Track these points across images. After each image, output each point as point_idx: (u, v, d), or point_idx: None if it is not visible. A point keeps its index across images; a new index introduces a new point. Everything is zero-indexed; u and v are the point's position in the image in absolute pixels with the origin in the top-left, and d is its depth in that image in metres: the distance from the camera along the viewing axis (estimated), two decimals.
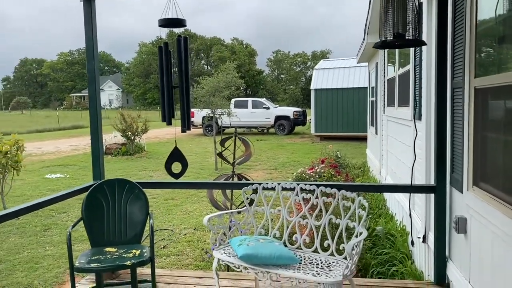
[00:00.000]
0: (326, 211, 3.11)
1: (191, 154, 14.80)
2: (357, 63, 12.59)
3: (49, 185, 10.03)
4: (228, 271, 3.90)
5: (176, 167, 3.60)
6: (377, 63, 9.17)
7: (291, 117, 22.86)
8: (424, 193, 3.70)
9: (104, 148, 14.62)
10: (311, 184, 3.25)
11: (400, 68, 5.82)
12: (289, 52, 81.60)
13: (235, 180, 4.41)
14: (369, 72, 11.68)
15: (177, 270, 4.16)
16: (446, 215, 3.24)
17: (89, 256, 3.05)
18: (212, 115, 13.40)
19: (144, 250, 3.14)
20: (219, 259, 2.93)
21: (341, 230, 3.01)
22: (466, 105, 2.80)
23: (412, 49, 4.63)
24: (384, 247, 4.48)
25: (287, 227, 3.25)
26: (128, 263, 2.93)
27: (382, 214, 6.04)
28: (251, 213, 3.34)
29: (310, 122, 21.60)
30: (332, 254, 2.99)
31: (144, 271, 3.70)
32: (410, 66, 4.78)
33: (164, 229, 6.33)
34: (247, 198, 3.37)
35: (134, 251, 3.13)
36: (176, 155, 3.61)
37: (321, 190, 3.16)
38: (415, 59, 4.49)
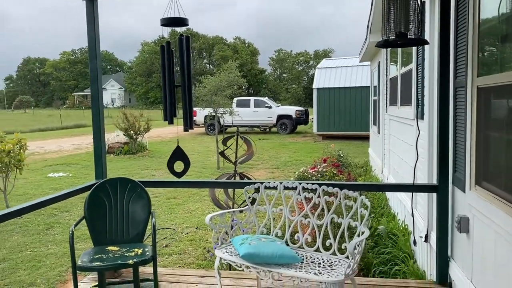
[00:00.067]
0: (328, 210, 3.11)
1: (193, 153, 14.81)
2: (360, 62, 12.57)
3: (51, 184, 10.06)
4: (230, 270, 3.90)
5: (179, 166, 3.60)
6: (379, 62, 9.16)
7: (293, 116, 22.84)
8: (426, 192, 3.69)
9: (107, 147, 14.65)
10: (313, 183, 3.25)
11: (403, 67, 5.81)
12: (291, 51, 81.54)
13: (237, 179, 4.41)
14: (372, 71, 11.66)
15: (179, 269, 4.17)
16: (448, 214, 3.23)
17: (91, 255, 3.06)
18: (214, 114, 13.41)
19: (146, 249, 3.15)
20: (221, 258, 2.93)
21: (343, 229, 3.01)
22: (468, 104, 2.79)
23: (414, 48, 4.62)
24: (386, 246, 4.48)
25: (289, 226, 3.25)
26: (130, 262, 2.93)
27: (384, 213, 6.03)
28: (253, 212, 3.34)
29: (312, 121, 21.58)
30: (334, 253, 2.99)
31: (146, 270, 3.71)
32: (413, 65, 4.77)
33: (166, 228, 6.34)
34: (249, 197, 3.37)
35: (136, 250, 3.14)
36: (179, 154, 3.61)
37: (323, 189, 3.16)
38: (417, 58, 4.48)
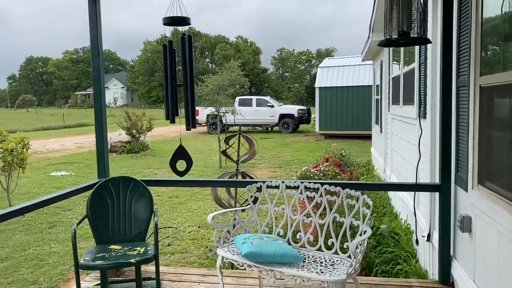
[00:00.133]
0: (330, 210, 3.11)
1: (196, 152, 14.82)
2: (362, 61, 12.55)
3: (54, 182, 10.09)
4: (232, 269, 3.90)
5: (181, 165, 3.61)
6: (382, 61, 9.14)
7: (296, 115, 22.83)
8: (428, 191, 3.69)
9: (109, 146, 14.68)
10: (315, 183, 3.25)
11: (405, 66, 5.80)
12: (293, 50, 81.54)
13: (239, 178, 4.42)
14: (374, 70, 11.64)
15: (181, 268, 4.18)
16: (450, 214, 3.23)
17: (94, 254, 3.07)
18: (216, 113, 13.41)
19: (148, 248, 3.15)
20: (223, 257, 2.93)
21: (345, 229, 3.00)
22: (471, 104, 2.79)
23: (417, 47, 4.61)
24: (388, 245, 4.47)
25: (291, 225, 3.25)
26: (132, 260, 2.94)
27: (387, 212, 6.02)
28: (255, 211, 3.34)
29: (314, 120, 21.57)
30: (336, 253, 2.99)
31: (148, 269, 3.72)
32: (415, 64, 4.76)
33: (169, 227, 6.35)
34: (251, 196, 3.37)
35: (138, 248, 3.14)
36: (181, 153, 3.61)
37: (325, 189, 3.16)
38: (420, 57, 4.47)
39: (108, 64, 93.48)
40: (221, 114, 13.56)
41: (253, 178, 4.31)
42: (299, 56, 79.28)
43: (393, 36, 2.66)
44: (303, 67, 78.23)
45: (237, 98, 21.39)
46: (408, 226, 4.83)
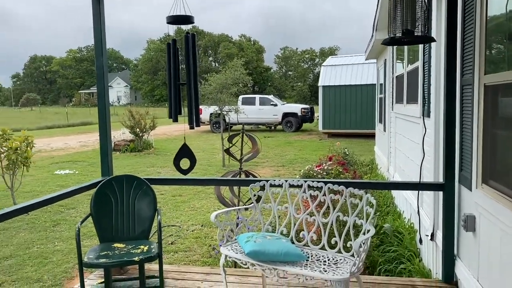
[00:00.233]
0: (334, 208, 3.10)
1: (199, 150, 14.84)
2: (366, 59, 12.51)
3: (58, 181, 10.13)
4: (235, 267, 3.91)
5: (184, 163, 3.61)
6: (385, 60, 9.12)
7: (299, 114, 22.80)
8: (432, 190, 3.68)
9: (113, 144, 14.71)
10: (318, 181, 3.24)
11: (409, 65, 5.78)
12: (297, 48, 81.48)
13: (243, 177, 4.42)
14: (378, 69, 11.61)
15: (184, 266, 4.18)
16: (454, 213, 3.22)
17: (97, 252, 3.08)
18: (219, 112, 13.41)
19: (152, 246, 3.16)
20: (226, 256, 2.94)
21: (349, 228, 3.00)
22: (475, 102, 2.78)
23: (421, 46, 4.60)
24: (391, 244, 4.47)
25: (294, 224, 3.25)
26: (136, 258, 2.95)
27: (390, 211, 6.01)
28: (258, 210, 3.34)
29: (317, 119, 21.54)
30: (339, 251, 2.99)
31: (152, 267, 3.73)
32: (419, 63, 4.74)
33: (172, 225, 6.36)
34: (254, 195, 3.37)
35: (142, 247, 3.15)
36: (185, 152, 3.62)
37: (329, 187, 3.15)
38: (424, 55, 4.45)
39: (111, 63, 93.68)
40: (224, 112, 13.56)
41: (256, 177, 4.31)
42: (303, 55, 79.18)
43: (397, 35, 2.65)
44: (307, 65, 78.15)
45: (240, 97, 21.37)
46: (412, 225, 4.82)
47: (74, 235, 5.93)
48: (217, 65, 69.41)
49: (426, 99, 4.26)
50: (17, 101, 76.82)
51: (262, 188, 3.38)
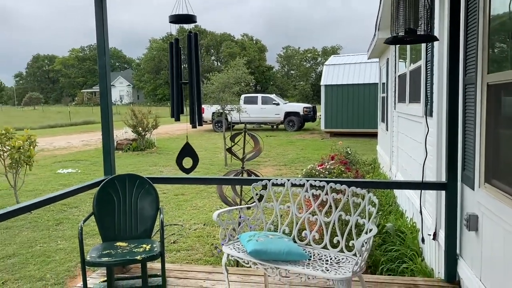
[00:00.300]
0: (336, 208, 3.10)
1: (201, 149, 14.85)
2: (368, 59, 12.50)
3: (61, 180, 10.15)
4: (237, 266, 3.91)
5: (187, 162, 3.62)
6: (388, 59, 9.10)
7: (301, 113, 22.79)
8: (435, 190, 3.67)
9: (115, 143, 14.74)
10: (320, 181, 3.24)
11: (412, 64, 5.76)
12: (299, 48, 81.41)
13: (245, 176, 4.42)
14: (380, 68, 11.59)
15: (187, 265, 4.19)
16: (457, 212, 3.21)
17: (100, 251, 3.08)
18: (221, 111, 13.42)
19: (154, 245, 3.17)
20: (228, 255, 2.94)
21: (351, 227, 3.00)
22: (478, 102, 2.77)
23: (423, 45, 4.59)
24: (394, 244, 4.46)
25: (297, 223, 3.25)
26: (138, 257, 2.95)
27: (393, 211, 6.00)
28: (261, 209, 3.35)
29: (320, 118, 21.53)
30: (341, 251, 2.98)
31: (154, 266, 3.74)
32: (422, 62, 4.73)
33: (174, 224, 6.37)
34: (257, 194, 3.38)
35: (144, 245, 3.16)
36: (188, 150, 3.62)
37: (331, 187, 3.15)
38: (426, 55, 4.44)
39: (114, 62, 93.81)
40: (227, 112, 13.57)
41: (258, 176, 4.31)
42: (305, 54, 79.07)
43: (399, 34, 2.64)
44: (309, 64, 78.04)
45: (243, 96, 21.39)
46: (414, 224, 4.81)
47: (76, 234, 5.94)
48: (219, 64, 69.40)
49: (429, 98, 4.25)
50: (19, 100, 77.03)
51: (264, 187, 3.38)
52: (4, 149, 7.22)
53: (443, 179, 3.44)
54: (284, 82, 73.01)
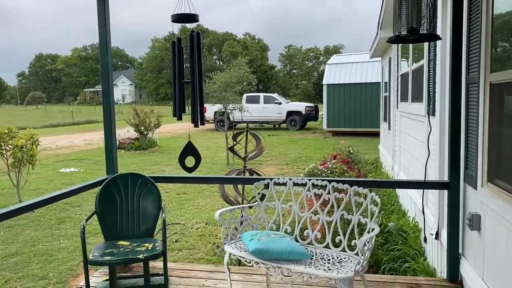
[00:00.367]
0: (338, 207, 3.10)
1: (203, 149, 14.86)
2: (370, 58, 12.48)
3: (63, 179, 10.17)
4: (239, 265, 3.91)
5: (189, 161, 3.62)
6: (390, 58, 9.08)
7: (303, 112, 22.78)
8: (437, 189, 3.66)
9: (118, 142, 14.76)
10: (323, 180, 3.24)
11: (414, 63, 5.75)
12: (301, 47, 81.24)
13: (247, 175, 4.42)
14: (382, 67, 11.57)
15: (189, 264, 4.19)
16: (459, 211, 3.21)
17: (102, 249, 3.09)
18: (224, 110, 13.43)
19: (156, 244, 3.17)
20: (230, 254, 2.94)
21: (353, 226, 3.00)
22: (481, 101, 2.76)
23: (426, 44, 4.57)
24: (396, 243, 4.46)
25: (299, 223, 3.25)
26: (140, 256, 2.96)
27: (395, 210, 6.00)
28: (263, 208, 3.35)
29: (322, 118, 21.51)
30: (343, 250, 2.98)
31: (156, 265, 3.74)
32: (424, 61, 4.72)
33: (176, 223, 6.38)
34: (259, 193, 3.38)
35: (146, 244, 3.16)
36: (190, 150, 3.62)
37: (333, 186, 3.15)
38: (429, 54, 4.43)
39: (116, 61, 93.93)
40: (229, 111, 13.57)
41: (260, 175, 4.31)
42: (307, 53, 78.99)
43: (402, 33, 2.64)
44: (311, 64, 77.96)
45: (245, 95, 21.37)
46: (416, 224, 4.81)
47: (79, 232, 5.96)
48: (221, 63, 69.42)
49: (431, 98, 4.24)
50: (22, 100, 77.23)
51: (266, 186, 3.38)
52: (7, 148, 7.23)
53: (446, 178, 3.43)
54: (286, 81, 72.95)
